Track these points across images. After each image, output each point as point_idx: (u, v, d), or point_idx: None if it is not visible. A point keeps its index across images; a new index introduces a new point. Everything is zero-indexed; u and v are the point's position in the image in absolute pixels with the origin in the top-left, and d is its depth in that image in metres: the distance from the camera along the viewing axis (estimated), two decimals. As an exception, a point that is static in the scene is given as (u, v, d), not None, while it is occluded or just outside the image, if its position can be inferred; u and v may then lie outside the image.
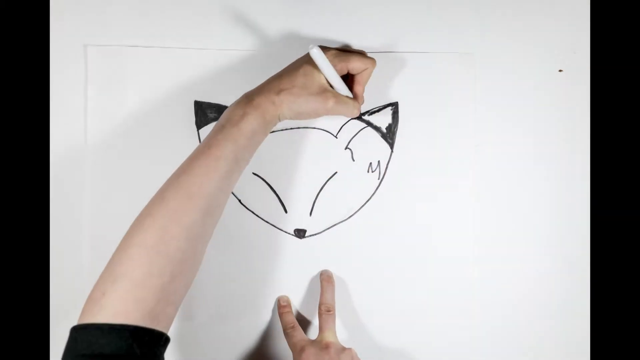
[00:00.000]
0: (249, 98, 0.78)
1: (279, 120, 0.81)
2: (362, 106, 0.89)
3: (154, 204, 0.72)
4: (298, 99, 0.78)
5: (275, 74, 0.82)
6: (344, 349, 0.84)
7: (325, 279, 0.91)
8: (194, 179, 0.72)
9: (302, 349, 0.83)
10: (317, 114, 0.82)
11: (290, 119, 0.81)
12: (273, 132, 0.91)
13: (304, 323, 0.93)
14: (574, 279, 0.93)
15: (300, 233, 0.92)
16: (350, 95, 0.84)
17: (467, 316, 0.93)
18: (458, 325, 0.93)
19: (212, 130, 0.78)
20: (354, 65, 0.81)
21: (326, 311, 0.88)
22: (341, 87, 0.82)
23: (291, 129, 0.91)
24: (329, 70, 0.79)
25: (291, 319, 0.90)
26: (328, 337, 0.85)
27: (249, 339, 0.93)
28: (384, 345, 0.91)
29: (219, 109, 0.90)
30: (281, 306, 0.92)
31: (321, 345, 0.83)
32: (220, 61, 0.91)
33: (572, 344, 0.94)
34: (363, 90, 0.85)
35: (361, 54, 0.85)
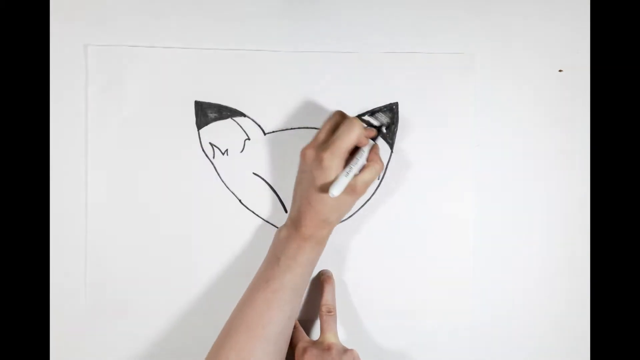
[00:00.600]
0: (297, 228, 0.82)
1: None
2: (362, 106, 0.89)
3: (221, 338, 0.82)
4: (343, 212, 0.85)
5: (300, 188, 0.84)
6: (345, 350, 0.83)
7: (325, 280, 0.91)
8: (256, 313, 0.80)
9: (304, 351, 0.82)
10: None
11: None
12: (273, 132, 0.91)
13: (304, 324, 0.93)
14: (574, 279, 0.93)
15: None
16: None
17: (466, 316, 0.93)
18: (457, 325, 0.93)
19: (267, 260, 0.86)
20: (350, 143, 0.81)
21: (327, 312, 0.88)
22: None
23: (292, 129, 0.91)
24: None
25: None
26: (330, 338, 0.85)
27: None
28: (384, 345, 0.91)
29: (220, 109, 0.90)
30: None
31: (323, 346, 0.83)
32: (221, 61, 0.91)
33: (572, 343, 0.94)
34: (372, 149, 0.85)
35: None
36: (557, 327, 0.94)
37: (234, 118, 0.91)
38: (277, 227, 0.91)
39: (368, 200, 0.92)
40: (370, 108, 0.92)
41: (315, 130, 0.90)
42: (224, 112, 0.90)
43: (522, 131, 0.93)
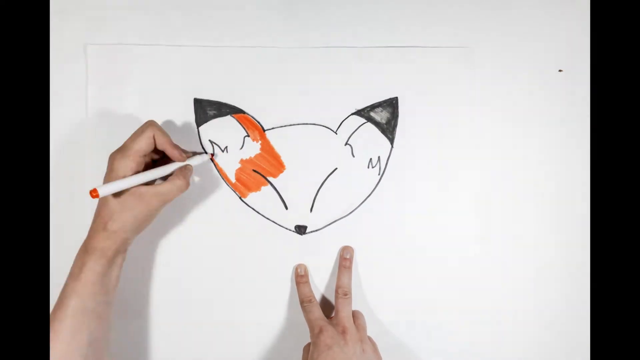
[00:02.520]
0: (85, 243, 0.79)
1: (127, 246, 0.82)
2: (362, 101, 0.89)
3: None
4: (127, 219, 0.78)
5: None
6: (360, 338, 0.84)
7: (342, 263, 0.91)
8: (52, 353, 0.72)
9: (321, 330, 0.83)
10: (156, 211, 0.81)
11: (137, 234, 0.82)
12: (272, 129, 0.91)
13: (322, 304, 0.94)
14: (574, 279, 0.94)
15: (301, 229, 0.92)
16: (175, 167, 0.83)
17: (466, 311, 0.93)
18: (457, 322, 0.94)
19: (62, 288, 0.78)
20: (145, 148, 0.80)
21: (343, 295, 0.89)
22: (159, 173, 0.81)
23: (290, 125, 0.91)
24: (129, 182, 0.77)
25: (308, 292, 0.91)
26: (344, 321, 0.85)
27: (250, 337, 0.93)
28: (384, 340, 0.91)
29: (219, 107, 0.90)
30: (298, 275, 0.92)
31: (338, 329, 0.83)
32: (220, 58, 0.91)
33: (572, 343, 0.94)
34: (176, 149, 0.83)
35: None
36: (557, 327, 0.94)
37: (233, 115, 0.90)
38: (278, 224, 0.92)
39: (369, 196, 0.92)
40: (370, 103, 0.92)
41: (315, 127, 0.91)
42: (224, 109, 0.90)
43: (522, 131, 0.93)
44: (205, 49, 0.91)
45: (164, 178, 0.83)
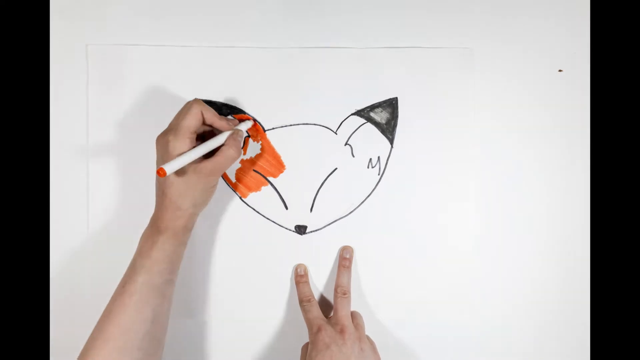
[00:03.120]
0: (153, 222, 0.81)
1: (194, 223, 0.84)
2: (362, 101, 0.90)
3: (83, 353, 0.76)
4: (194, 195, 0.79)
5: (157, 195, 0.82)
6: (359, 337, 0.84)
7: (341, 262, 0.92)
8: (114, 322, 0.75)
9: (319, 329, 0.83)
10: (216, 182, 0.83)
11: (203, 208, 0.84)
12: (272, 129, 0.91)
13: (320, 303, 0.93)
14: (574, 279, 0.93)
15: (301, 229, 0.92)
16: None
17: (466, 311, 0.93)
18: (457, 321, 0.94)
19: (130, 263, 0.80)
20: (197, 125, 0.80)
21: (342, 294, 0.89)
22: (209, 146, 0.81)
23: (290, 125, 0.91)
24: (185, 160, 0.77)
25: (308, 291, 0.91)
26: (343, 320, 0.85)
27: (249, 336, 0.93)
28: (383, 340, 0.91)
29: (219, 107, 0.90)
30: (298, 275, 0.92)
31: (337, 328, 0.84)
32: (220, 58, 0.91)
33: (572, 343, 0.94)
34: (224, 120, 0.84)
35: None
36: (557, 327, 0.94)
37: (234, 115, 0.90)
38: (278, 224, 0.92)
39: (368, 196, 0.92)
40: (370, 103, 0.92)
41: (315, 127, 0.91)
42: (224, 110, 0.90)
43: (522, 131, 0.93)
44: (205, 49, 0.91)
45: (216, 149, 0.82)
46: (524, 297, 0.94)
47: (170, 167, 0.73)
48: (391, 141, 0.92)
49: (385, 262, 0.93)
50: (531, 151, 0.93)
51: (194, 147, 0.78)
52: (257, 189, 0.92)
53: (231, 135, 0.82)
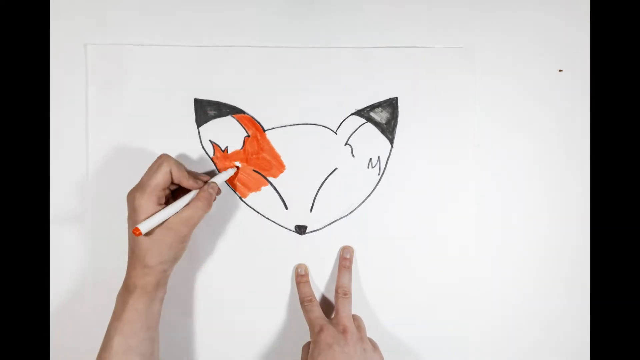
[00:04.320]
0: (125, 282, 0.79)
1: (167, 279, 0.82)
2: (362, 101, 0.90)
3: None
4: (163, 252, 0.78)
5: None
6: (360, 338, 0.84)
7: (342, 263, 0.92)
8: None
9: (321, 329, 0.83)
10: (186, 237, 0.80)
11: (174, 264, 0.81)
12: (272, 129, 0.91)
13: (321, 303, 0.93)
14: (574, 278, 0.93)
15: (301, 229, 0.92)
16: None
17: (466, 311, 0.94)
18: (457, 321, 0.94)
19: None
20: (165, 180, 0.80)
21: (343, 295, 0.89)
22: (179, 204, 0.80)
23: (290, 125, 0.91)
24: (159, 218, 0.77)
25: (309, 291, 0.91)
26: (344, 320, 0.85)
27: (250, 336, 0.93)
28: (383, 340, 0.91)
29: (219, 107, 0.90)
30: (299, 275, 0.92)
31: (338, 328, 0.84)
32: (220, 58, 0.91)
33: (572, 343, 0.94)
34: (192, 179, 0.83)
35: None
36: (557, 328, 0.94)
37: (234, 115, 0.91)
38: (278, 224, 0.92)
39: (368, 196, 0.92)
40: (370, 103, 0.92)
41: (315, 127, 0.91)
42: (224, 110, 0.90)
43: (522, 131, 0.93)
44: (205, 49, 0.91)
45: None
46: (524, 297, 0.94)
47: (144, 226, 0.74)
48: (391, 141, 0.92)
49: (385, 262, 0.93)
50: (531, 151, 0.93)
51: (161, 204, 0.79)
52: (257, 189, 0.92)
53: (202, 189, 0.82)
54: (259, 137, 0.91)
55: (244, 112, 0.91)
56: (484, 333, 0.93)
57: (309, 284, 0.92)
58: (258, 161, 0.91)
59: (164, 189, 0.79)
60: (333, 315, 0.88)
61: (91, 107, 0.90)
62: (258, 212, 0.92)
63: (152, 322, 0.79)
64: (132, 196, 0.77)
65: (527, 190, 0.93)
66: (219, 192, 0.89)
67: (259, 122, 0.91)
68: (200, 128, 0.90)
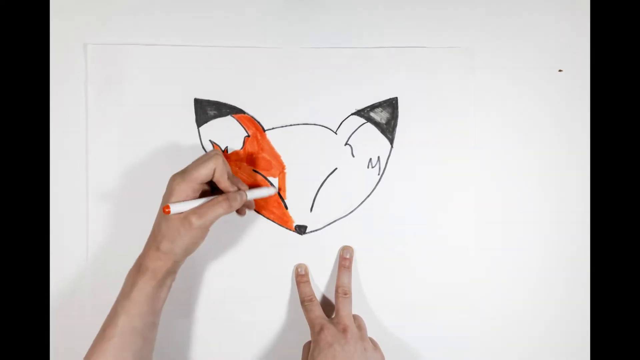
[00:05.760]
0: (138, 262, 0.80)
1: (178, 268, 0.82)
2: (362, 101, 0.90)
3: None
4: (176, 243, 0.78)
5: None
6: (361, 337, 0.84)
7: (342, 263, 0.92)
8: None
9: (322, 328, 0.83)
10: (201, 238, 0.81)
11: (186, 257, 0.82)
12: (272, 129, 0.91)
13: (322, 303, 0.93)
14: (574, 279, 0.93)
15: (301, 229, 0.92)
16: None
17: (466, 311, 0.93)
18: (457, 321, 0.93)
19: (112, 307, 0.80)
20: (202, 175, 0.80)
21: (343, 294, 0.89)
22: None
23: (290, 125, 0.91)
24: (190, 205, 0.78)
25: (309, 291, 0.91)
26: (344, 320, 0.85)
27: (250, 336, 0.93)
28: (384, 340, 0.91)
29: (219, 107, 0.90)
30: (299, 275, 0.92)
31: (339, 327, 0.84)
32: (220, 58, 0.91)
33: (572, 343, 0.94)
34: (229, 182, 0.82)
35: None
36: (557, 328, 0.94)
37: (234, 115, 0.91)
38: (278, 224, 0.92)
39: (368, 195, 0.92)
40: (370, 103, 0.92)
41: (315, 127, 0.91)
42: (224, 110, 0.90)
43: (522, 130, 0.93)
44: (205, 49, 0.91)
45: None
46: (524, 297, 0.94)
47: (174, 208, 0.75)
48: (391, 141, 0.92)
49: (385, 262, 0.93)
50: (531, 151, 0.93)
51: (195, 197, 0.79)
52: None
53: (229, 193, 0.82)
54: (259, 137, 0.91)
55: (244, 112, 0.91)
56: (484, 333, 0.93)
57: (309, 284, 0.92)
58: (258, 161, 0.91)
59: (202, 183, 0.79)
60: (333, 315, 0.88)
61: (91, 107, 0.90)
62: (258, 212, 0.92)
63: (157, 307, 0.80)
64: (173, 179, 0.78)
65: (527, 190, 0.93)
66: (249, 206, 0.90)
67: (259, 122, 0.91)
68: (200, 128, 0.90)
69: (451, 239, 0.93)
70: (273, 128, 0.91)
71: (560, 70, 0.92)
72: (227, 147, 0.91)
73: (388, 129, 0.92)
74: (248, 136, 0.91)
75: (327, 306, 0.93)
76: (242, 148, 0.91)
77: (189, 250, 0.80)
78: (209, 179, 0.79)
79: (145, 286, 0.77)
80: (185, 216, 0.77)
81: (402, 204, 0.93)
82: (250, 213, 0.92)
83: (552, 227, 0.93)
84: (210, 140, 0.91)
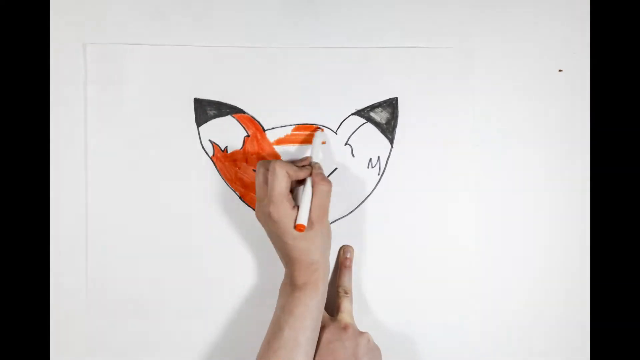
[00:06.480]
0: (291, 279, 0.83)
1: (329, 272, 0.88)
2: (362, 101, 0.90)
3: None
4: (318, 244, 0.81)
5: (276, 247, 0.84)
6: (360, 333, 0.85)
7: (342, 263, 0.92)
8: None
9: (323, 327, 0.84)
10: (328, 224, 0.85)
11: (329, 254, 0.86)
12: (272, 129, 0.91)
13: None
14: (574, 279, 0.93)
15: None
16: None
17: (466, 311, 0.93)
18: (457, 321, 0.93)
19: (272, 320, 0.82)
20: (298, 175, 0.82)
21: (344, 293, 0.89)
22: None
23: (290, 125, 0.91)
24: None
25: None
26: (346, 319, 0.86)
27: (250, 336, 0.92)
28: (384, 339, 0.91)
29: (219, 106, 0.90)
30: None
31: (340, 325, 0.84)
32: (220, 58, 0.91)
33: (572, 343, 0.94)
34: (298, 170, 0.82)
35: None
36: (557, 327, 0.94)
37: (234, 115, 0.91)
38: (278, 224, 0.92)
39: (368, 196, 0.92)
40: (370, 103, 0.92)
41: (314, 127, 0.91)
42: (223, 109, 0.90)
43: (522, 130, 0.93)
44: (205, 49, 0.91)
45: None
46: (524, 297, 0.94)
47: (303, 219, 0.76)
48: (391, 141, 0.92)
49: (385, 262, 0.93)
50: (531, 151, 0.93)
51: (297, 204, 0.80)
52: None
53: (313, 173, 0.82)
54: (259, 137, 0.91)
55: (244, 112, 0.91)
56: (483, 333, 0.93)
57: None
58: (258, 161, 0.91)
59: (289, 192, 0.80)
60: (334, 315, 0.88)
61: (90, 107, 0.90)
62: (258, 212, 0.92)
63: (318, 321, 0.82)
64: (266, 214, 0.78)
65: (527, 191, 0.93)
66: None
67: (259, 122, 0.91)
68: (200, 128, 0.90)
69: (451, 239, 0.93)
70: (273, 128, 0.91)
71: (560, 70, 0.92)
72: (227, 146, 0.91)
73: (388, 129, 0.92)
74: (248, 136, 0.91)
75: (328, 306, 0.92)
76: (242, 148, 0.91)
77: (329, 246, 0.86)
78: (290, 185, 0.80)
79: (306, 300, 0.80)
80: (319, 221, 0.79)
81: (402, 204, 0.92)
82: (250, 213, 0.92)
83: (553, 227, 0.93)
84: (210, 140, 0.90)
